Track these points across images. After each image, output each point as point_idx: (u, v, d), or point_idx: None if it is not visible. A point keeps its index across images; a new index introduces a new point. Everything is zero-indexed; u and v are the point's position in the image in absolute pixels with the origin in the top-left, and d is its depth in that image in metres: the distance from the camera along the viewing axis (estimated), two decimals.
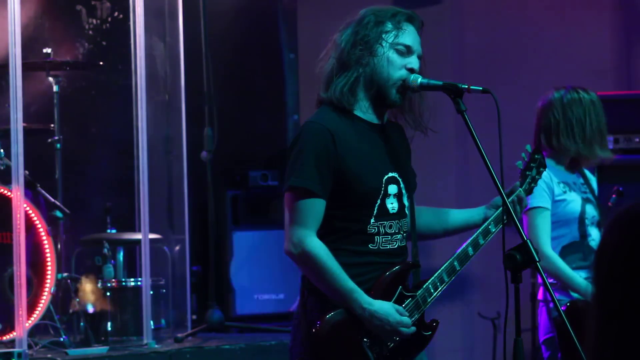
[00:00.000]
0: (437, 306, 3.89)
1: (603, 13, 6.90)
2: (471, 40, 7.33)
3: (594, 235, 4.98)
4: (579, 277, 4.84)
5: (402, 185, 3.73)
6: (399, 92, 3.68)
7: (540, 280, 5.03)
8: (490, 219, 3.82)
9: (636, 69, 6.81)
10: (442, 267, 3.73)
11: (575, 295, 4.82)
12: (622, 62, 6.84)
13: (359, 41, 3.66)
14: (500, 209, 3.77)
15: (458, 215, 3.94)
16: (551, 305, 4.85)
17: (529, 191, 4.01)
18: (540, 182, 4.92)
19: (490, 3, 7.29)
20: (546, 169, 4.97)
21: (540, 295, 4.99)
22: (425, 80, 3.70)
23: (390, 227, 3.69)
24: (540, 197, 4.87)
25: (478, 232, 3.81)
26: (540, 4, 7.09)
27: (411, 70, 3.69)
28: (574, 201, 4.95)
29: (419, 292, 3.69)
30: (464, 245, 3.78)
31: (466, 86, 3.66)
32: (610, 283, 1.73)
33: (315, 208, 3.60)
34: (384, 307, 3.59)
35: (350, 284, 3.57)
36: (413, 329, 3.63)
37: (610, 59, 6.86)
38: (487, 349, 6.98)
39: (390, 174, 3.70)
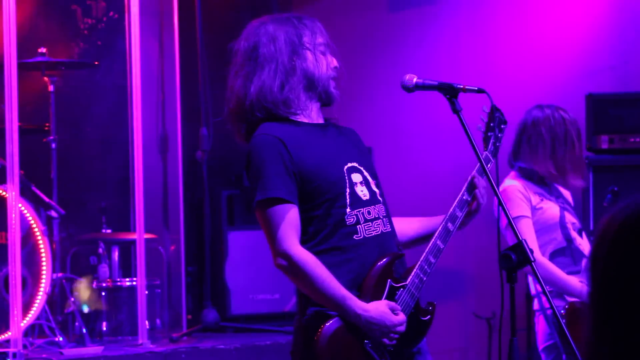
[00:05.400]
0: None
1: (599, 12, 6.91)
2: (466, 41, 7.33)
3: (579, 240, 4.97)
4: (574, 280, 4.83)
5: (365, 173, 3.71)
6: (334, 89, 3.72)
7: (533, 292, 5.03)
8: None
9: (632, 68, 6.81)
10: (427, 250, 3.69)
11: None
12: (618, 62, 6.84)
13: (283, 49, 3.68)
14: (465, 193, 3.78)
15: (415, 223, 3.92)
16: (548, 312, 4.84)
17: (495, 152, 3.91)
18: (516, 192, 4.92)
19: (485, 3, 7.29)
20: (520, 176, 4.98)
21: (535, 306, 4.97)
22: (420, 80, 3.70)
23: (369, 212, 3.66)
24: (518, 207, 4.86)
25: (453, 206, 3.77)
26: (536, 4, 7.09)
27: (336, 69, 3.73)
28: (551, 207, 4.95)
29: (409, 280, 3.64)
30: (442, 222, 3.74)
31: (461, 86, 3.65)
32: (605, 283, 1.72)
33: (289, 215, 3.57)
34: (379, 310, 3.55)
35: (342, 291, 3.52)
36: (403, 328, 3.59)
37: (606, 59, 6.86)
38: (482, 348, 6.98)
39: (349, 164, 3.69)
